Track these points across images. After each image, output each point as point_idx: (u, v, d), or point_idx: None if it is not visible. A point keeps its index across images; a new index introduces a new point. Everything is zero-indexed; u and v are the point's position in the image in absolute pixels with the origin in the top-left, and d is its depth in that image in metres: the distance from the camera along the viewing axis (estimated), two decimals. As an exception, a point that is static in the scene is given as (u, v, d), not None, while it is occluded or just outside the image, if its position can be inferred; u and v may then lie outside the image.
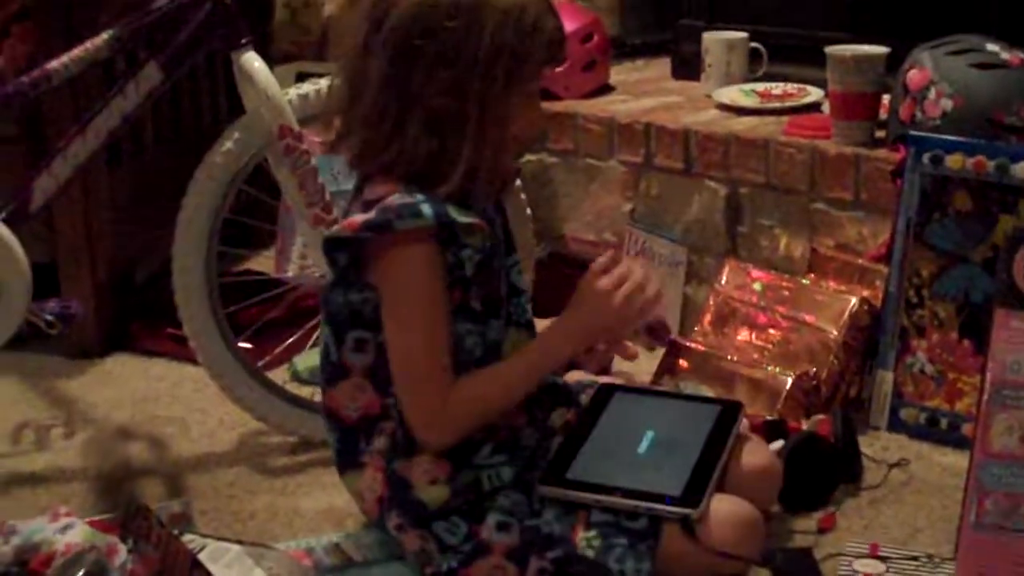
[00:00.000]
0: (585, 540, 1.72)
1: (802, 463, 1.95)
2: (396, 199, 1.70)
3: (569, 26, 2.75)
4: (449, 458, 1.77)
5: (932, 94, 2.25)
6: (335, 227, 1.76)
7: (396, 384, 1.76)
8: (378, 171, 1.75)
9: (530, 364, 1.80)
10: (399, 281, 1.72)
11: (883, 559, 1.82)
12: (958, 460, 2.04)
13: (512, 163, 1.82)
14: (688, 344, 2.33)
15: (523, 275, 1.90)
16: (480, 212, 1.77)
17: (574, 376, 2.03)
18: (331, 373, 1.82)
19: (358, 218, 1.72)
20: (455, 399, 1.74)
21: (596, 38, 2.82)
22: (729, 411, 1.90)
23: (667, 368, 2.32)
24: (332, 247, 1.75)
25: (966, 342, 2.16)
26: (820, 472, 1.97)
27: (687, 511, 1.71)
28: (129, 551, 1.76)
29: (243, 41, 2.13)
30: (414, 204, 1.69)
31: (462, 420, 1.76)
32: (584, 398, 1.94)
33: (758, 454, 1.89)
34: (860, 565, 1.81)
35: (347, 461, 1.84)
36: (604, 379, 2.03)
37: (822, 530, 1.91)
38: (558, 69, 1.84)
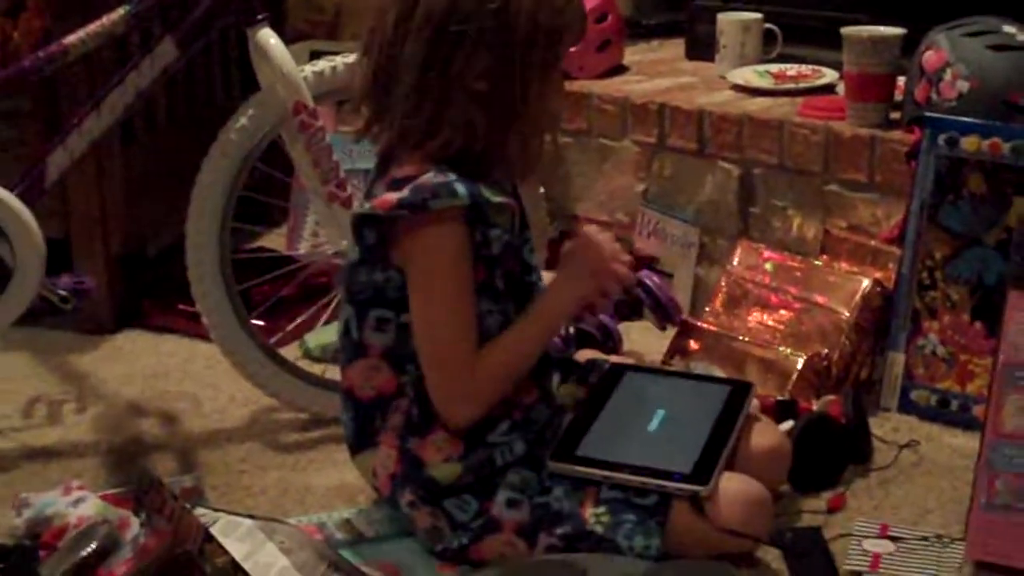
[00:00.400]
0: (594, 516, 1.73)
1: (812, 443, 1.95)
2: (431, 178, 1.71)
3: (584, 6, 2.77)
4: (463, 437, 1.78)
5: (948, 76, 2.25)
6: (366, 205, 1.76)
7: (422, 361, 1.77)
8: (408, 151, 1.75)
9: (540, 324, 1.82)
10: (429, 259, 1.74)
11: (893, 539, 1.82)
12: (968, 441, 2.04)
13: (544, 143, 1.82)
14: (699, 324, 2.33)
15: (535, 254, 1.90)
16: (509, 192, 1.79)
17: (585, 354, 2.04)
18: (350, 351, 1.82)
19: (392, 196, 1.72)
20: (479, 373, 1.76)
21: (611, 18, 2.82)
22: (739, 391, 1.91)
23: (678, 348, 2.32)
24: (361, 224, 1.75)
25: (978, 324, 2.16)
26: (830, 452, 1.97)
27: (696, 488, 1.72)
28: (141, 524, 1.77)
29: (259, 17, 2.13)
30: (448, 183, 1.71)
31: (488, 393, 1.77)
32: (595, 377, 1.94)
33: (768, 434, 1.89)
34: (870, 545, 1.81)
35: (361, 440, 1.85)
36: (615, 359, 2.03)
37: (831, 510, 1.92)
38: (572, 49, 1.83)
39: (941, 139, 2.17)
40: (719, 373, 2.19)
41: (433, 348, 1.76)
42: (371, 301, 1.79)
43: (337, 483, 2.03)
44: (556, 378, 1.91)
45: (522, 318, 1.81)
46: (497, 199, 1.74)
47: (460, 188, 1.71)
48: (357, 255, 1.79)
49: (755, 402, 2.06)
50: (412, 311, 1.76)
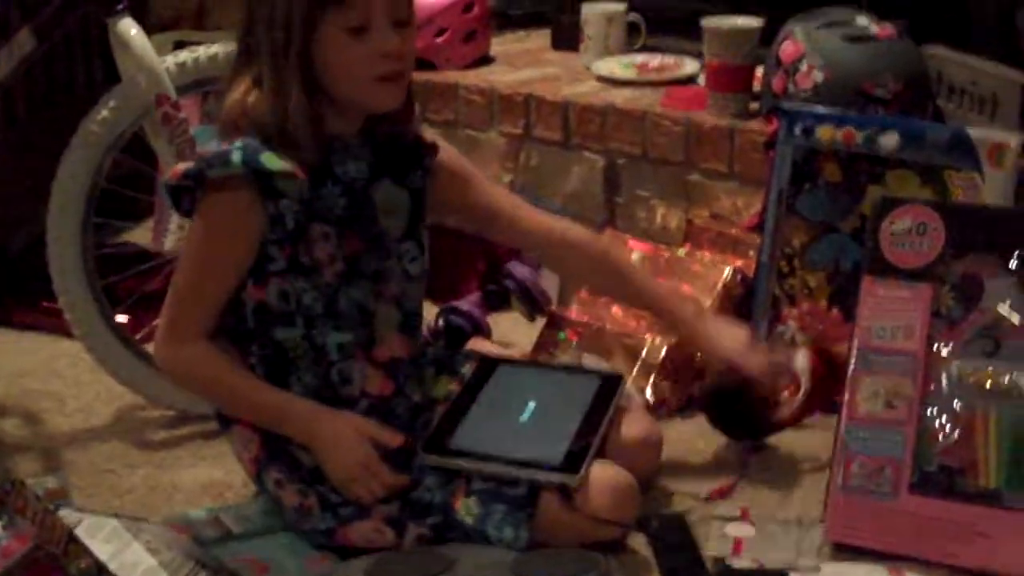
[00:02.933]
0: (465, 507, 1.74)
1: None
2: (212, 145, 1.74)
3: (450, -4, 2.78)
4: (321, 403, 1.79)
5: (804, 66, 2.30)
6: (165, 175, 1.79)
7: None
8: (225, 128, 1.77)
9: (262, 405, 1.80)
10: (199, 223, 1.76)
11: (754, 523, 1.86)
12: (828, 425, 2.09)
13: (381, 102, 1.76)
14: (567, 314, 2.35)
15: (416, 262, 1.87)
16: (344, 176, 1.78)
17: (481, 345, 2.06)
18: None
19: (181, 166, 1.75)
20: (193, 355, 1.78)
21: (476, 9, 2.83)
22: (610, 382, 1.93)
23: (547, 339, 2.34)
24: (172, 200, 1.77)
25: (835, 310, 2.22)
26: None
27: (566, 478, 1.74)
28: (3, 527, 1.74)
29: (119, 7, 2.10)
30: (225, 151, 1.72)
31: (183, 376, 1.84)
32: (467, 369, 1.95)
33: (639, 424, 1.92)
34: (732, 529, 1.85)
35: (219, 418, 1.87)
36: (488, 351, 2.05)
37: (712, 498, 1.94)
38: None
39: (797, 129, 2.22)
40: (600, 364, 2.20)
41: (166, 307, 1.80)
42: None
43: (205, 480, 2.02)
44: (431, 372, 1.92)
45: (263, 384, 1.79)
46: (277, 166, 1.71)
47: (235, 156, 1.70)
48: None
49: (634, 394, 2.10)
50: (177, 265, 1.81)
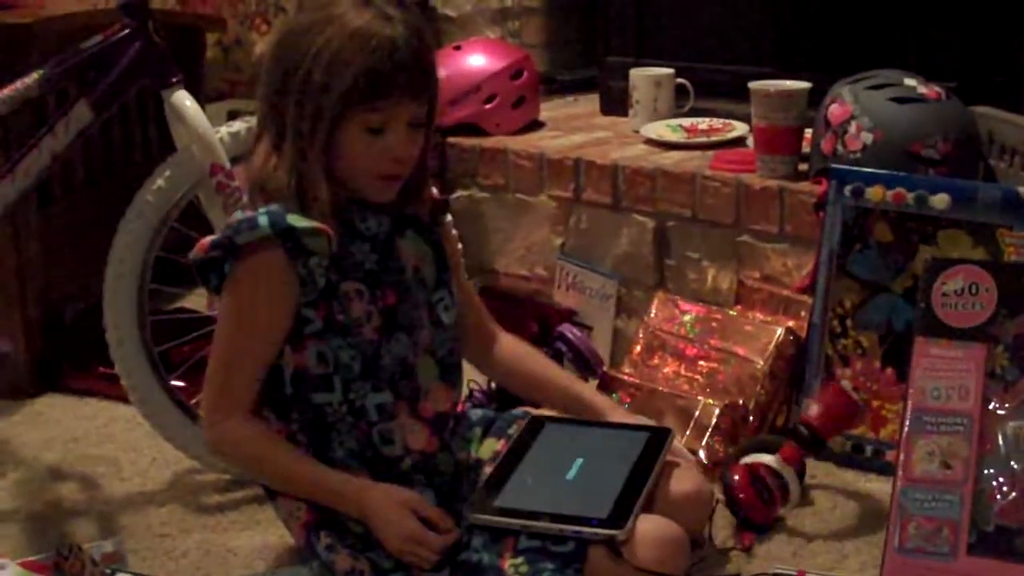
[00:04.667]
0: (513, 567, 1.73)
1: None
2: (238, 215, 1.76)
3: (499, 63, 2.82)
4: (370, 471, 1.79)
5: (852, 128, 2.30)
6: (192, 251, 1.80)
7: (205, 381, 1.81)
8: (251, 195, 1.79)
9: (312, 483, 1.79)
10: (232, 293, 1.76)
11: (810, 584, 1.85)
12: (883, 486, 2.08)
13: (375, 195, 1.79)
14: (619, 376, 2.36)
15: (450, 311, 1.89)
16: (367, 231, 1.80)
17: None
18: None
19: (205, 240, 1.77)
20: (239, 433, 1.78)
21: (526, 75, 2.86)
22: (658, 436, 1.93)
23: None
24: (201, 273, 1.79)
25: (889, 370, 2.21)
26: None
27: (613, 532, 1.73)
28: (61, 591, 1.76)
29: (174, 80, 2.14)
30: (253, 217, 1.73)
31: (231, 456, 1.86)
32: (515, 429, 1.95)
33: (688, 479, 1.91)
34: (787, 590, 1.84)
35: (266, 489, 1.88)
36: (534, 411, 2.05)
37: (746, 548, 1.94)
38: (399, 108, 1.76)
39: (847, 190, 2.23)
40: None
41: (208, 376, 1.80)
42: None
43: (260, 544, 2.03)
44: (478, 432, 1.93)
45: (320, 466, 1.79)
46: (304, 224, 1.72)
47: (262, 219, 1.72)
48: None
49: (684, 451, 2.10)
50: (213, 339, 1.80)
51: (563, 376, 2.07)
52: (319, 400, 1.80)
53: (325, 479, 1.78)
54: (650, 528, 1.77)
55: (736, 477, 2.02)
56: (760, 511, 2.00)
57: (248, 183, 1.81)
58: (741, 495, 2.00)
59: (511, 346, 2.03)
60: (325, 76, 1.71)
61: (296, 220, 1.73)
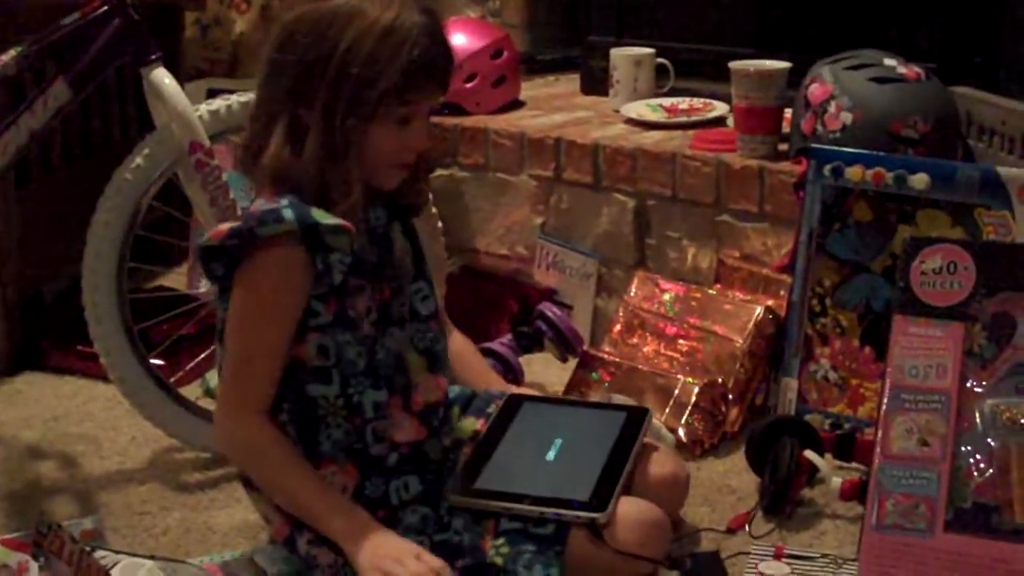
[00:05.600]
0: (494, 548, 1.74)
1: None
2: (260, 204, 1.73)
3: (479, 42, 2.81)
4: (356, 464, 1.79)
5: (832, 108, 2.31)
6: (204, 236, 1.77)
7: (221, 375, 1.79)
8: (262, 182, 1.77)
9: (316, 503, 1.75)
10: (250, 283, 1.73)
11: (788, 560, 1.86)
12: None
13: (387, 183, 1.79)
14: (600, 354, 2.36)
15: (428, 301, 1.87)
16: (368, 225, 1.78)
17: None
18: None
19: (225, 226, 1.73)
20: (258, 432, 1.75)
21: (506, 54, 2.85)
22: (636, 417, 1.94)
23: (580, 379, 2.35)
24: (206, 258, 1.75)
25: (867, 349, 2.22)
26: None
27: (594, 515, 1.74)
28: (41, 568, 1.75)
29: (152, 57, 2.14)
30: (276, 209, 1.70)
31: (243, 451, 1.79)
32: (493, 408, 1.96)
33: (666, 462, 1.92)
34: (765, 567, 1.84)
35: (247, 479, 1.85)
36: (514, 389, 2.05)
37: (730, 530, 1.95)
38: (438, 98, 1.78)
39: (827, 169, 2.23)
40: (627, 402, 2.20)
41: (225, 370, 1.77)
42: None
43: (239, 522, 2.03)
44: (456, 412, 1.93)
45: (322, 486, 1.76)
46: (330, 221, 1.71)
47: (287, 212, 1.70)
48: (216, 289, 1.80)
49: (671, 437, 2.10)
50: (227, 332, 1.76)
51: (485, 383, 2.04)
52: (314, 392, 1.78)
53: (330, 509, 1.74)
54: (631, 511, 1.77)
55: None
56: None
57: (265, 170, 1.75)
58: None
59: (458, 343, 2.03)
60: (363, 72, 1.69)
61: (321, 216, 1.71)
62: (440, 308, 1.96)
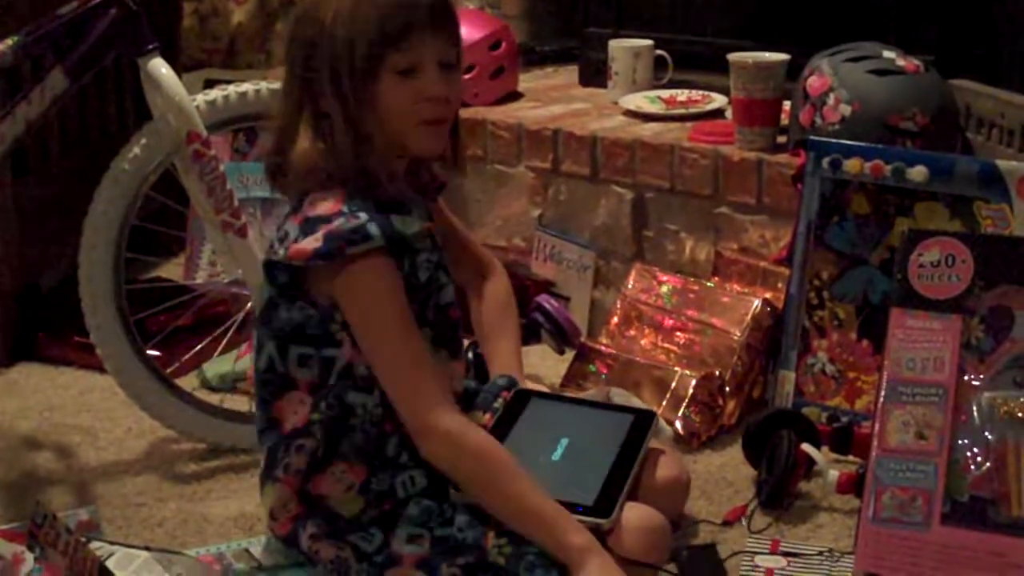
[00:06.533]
0: (496, 547, 1.72)
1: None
2: (343, 224, 1.69)
3: (477, 33, 2.81)
4: (365, 461, 1.78)
5: (831, 100, 2.31)
6: (280, 252, 1.73)
7: (392, 396, 1.73)
8: (300, 186, 1.75)
9: (557, 513, 1.70)
10: (362, 302, 1.71)
11: (785, 554, 1.86)
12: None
13: (424, 146, 1.76)
14: (597, 347, 2.36)
15: (446, 289, 1.83)
16: (425, 216, 1.78)
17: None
18: (278, 385, 1.78)
19: (307, 246, 1.69)
20: (477, 435, 1.73)
21: (504, 45, 2.85)
22: (642, 419, 1.92)
23: (577, 371, 2.35)
24: (272, 267, 1.73)
25: (865, 342, 2.21)
26: None
27: (599, 521, 1.72)
28: (36, 559, 1.75)
29: (150, 47, 2.13)
30: (361, 226, 1.68)
31: (456, 448, 1.72)
32: (500, 403, 1.95)
33: (670, 465, 1.91)
34: (761, 560, 1.84)
35: (268, 473, 1.83)
36: (533, 385, 2.03)
37: (727, 523, 1.95)
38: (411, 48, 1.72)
39: (825, 162, 2.23)
40: (637, 401, 2.18)
41: (394, 384, 1.73)
42: (291, 337, 1.77)
43: (236, 513, 2.03)
44: (461, 406, 1.92)
45: (556, 503, 1.70)
46: (412, 230, 1.72)
47: (373, 229, 1.68)
48: (270, 292, 1.77)
49: (668, 431, 2.10)
50: (367, 356, 1.73)
51: (511, 339, 2.00)
52: (353, 400, 1.76)
53: (569, 521, 1.70)
54: (635, 517, 1.75)
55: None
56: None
57: (295, 167, 1.73)
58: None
59: (493, 291, 2.00)
60: (348, 33, 1.68)
61: (402, 225, 1.71)
62: (482, 252, 1.99)
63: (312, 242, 1.70)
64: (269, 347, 1.79)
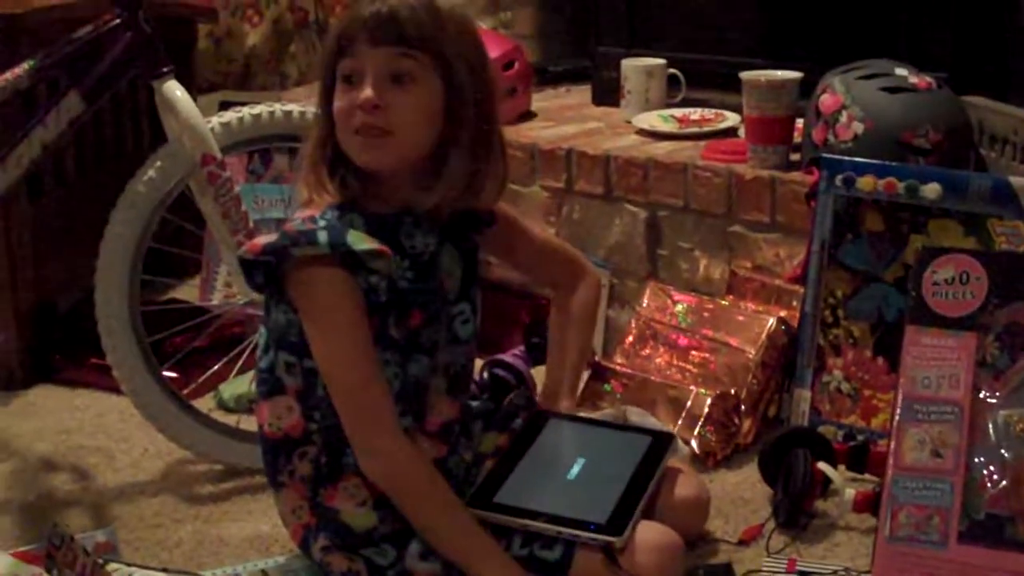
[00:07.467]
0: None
1: None
2: (296, 224, 1.73)
3: (490, 54, 2.81)
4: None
5: (844, 118, 2.31)
6: (242, 248, 1.77)
7: (337, 409, 1.74)
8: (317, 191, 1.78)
9: (474, 548, 1.73)
10: (308, 303, 1.72)
11: (801, 574, 1.85)
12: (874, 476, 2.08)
13: (356, 156, 1.75)
14: (612, 365, 2.36)
15: (468, 324, 1.85)
16: (414, 250, 1.77)
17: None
18: (269, 385, 1.81)
19: (260, 240, 1.73)
20: (415, 454, 1.74)
21: (517, 65, 2.86)
22: (660, 441, 1.92)
23: (592, 391, 2.35)
24: (246, 269, 1.75)
25: (880, 360, 2.21)
26: None
27: (611, 539, 1.72)
28: (53, 581, 1.76)
29: (164, 70, 2.14)
30: (312, 231, 1.70)
31: (404, 475, 1.73)
32: (518, 423, 1.95)
33: (689, 484, 1.91)
34: (778, 580, 1.84)
35: (270, 478, 1.85)
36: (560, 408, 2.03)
37: (743, 542, 1.95)
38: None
39: (838, 179, 2.23)
40: (653, 420, 2.18)
41: (337, 393, 1.73)
42: (280, 342, 1.79)
43: (252, 534, 2.03)
44: (479, 426, 1.93)
45: (482, 531, 1.74)
46: (364, 246, 1.69)
47: (321, 236, 1.69)
48: (264, 294, 1.80)
49: (685, 450, 2.09)
50: (318, 366, 1.74)
51: (570, 354, 2.00)
52: None
53: (483, 546, 1.73)
54: (649, 535, 1.76)
55: None
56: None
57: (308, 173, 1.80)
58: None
59: (569, 304, 2.00)
60: (326, 42, 1.78)
61: (356, 240, 1.69)
62: (569, 263, 1.99)
63: (265, 238, 1.73)
64: (271, 346, 1.81)
